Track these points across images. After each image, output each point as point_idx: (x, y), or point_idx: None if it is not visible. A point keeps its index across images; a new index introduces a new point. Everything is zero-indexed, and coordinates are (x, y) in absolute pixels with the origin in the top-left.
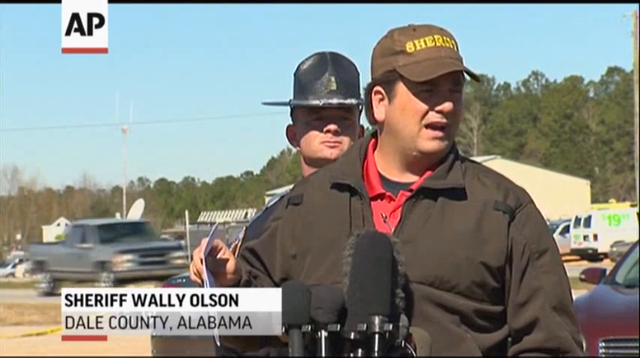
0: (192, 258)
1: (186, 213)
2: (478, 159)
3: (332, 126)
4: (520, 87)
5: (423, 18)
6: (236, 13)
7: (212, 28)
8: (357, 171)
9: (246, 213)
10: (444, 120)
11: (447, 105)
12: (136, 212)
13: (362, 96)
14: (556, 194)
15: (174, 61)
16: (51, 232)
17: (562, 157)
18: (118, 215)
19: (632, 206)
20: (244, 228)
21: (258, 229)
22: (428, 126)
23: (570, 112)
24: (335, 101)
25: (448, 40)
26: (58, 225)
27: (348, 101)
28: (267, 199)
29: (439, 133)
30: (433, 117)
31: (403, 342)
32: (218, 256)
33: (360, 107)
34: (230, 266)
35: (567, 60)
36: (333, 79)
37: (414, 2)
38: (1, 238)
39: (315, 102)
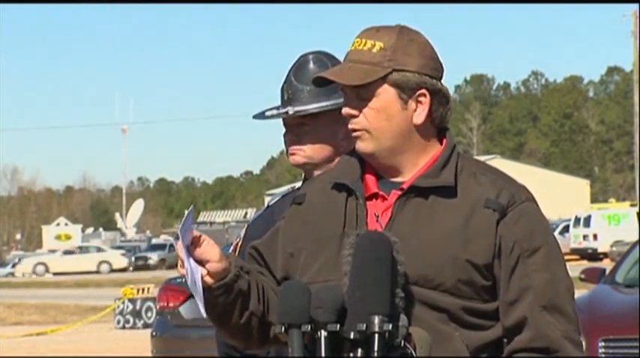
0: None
1: (186, 213)
2: (478, 158)
3: (288, 137)
4: (520, 87)
5: (423, 17)
6: (236, 12)
7: (212, 28)
8: (355, 171)
9: (246, 213)
10: (350, 126)
11: (345, 110)
12: (135, 212)
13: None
14: (556, 194)
15: (174, 61)
16: (50, 232)
17: (562, 157)
18: (117, 215)
19: (631, 206)
20: (246, 226)
21: (259, 227)
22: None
23: (570, 112)
24: (288, 110)
25: (368, 42)
26: (58, 224)
27: (301, 108)
28: (266, 199)
29: (355, 134)
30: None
31: (403, 342)
32: (202, 245)
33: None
34: (214, 254)
35: (567, 60)
36: (287, 87)
37: (414, 2)
38: (1, 238)
39: (269, 113)
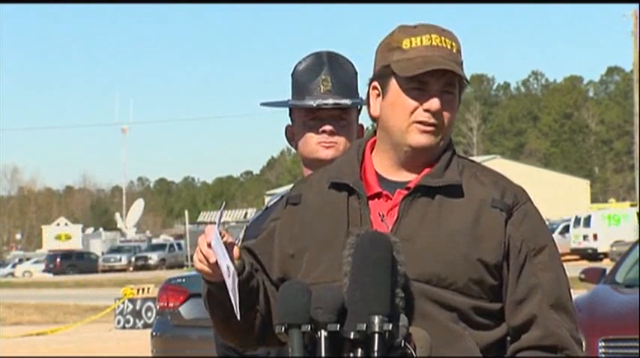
0: (192, 257)
1: (186, 212)
2: (478, 159)
3: (327, 127)
4: (520, 87)
5: (423, 18)
6: (236, 12)
7: (212, 28)
8: (355, 171)
9: (246, 213)
10: (432, 120)
11: (434, 104)
12: (135, 212)
13: (360, 96)
14: (556, 194)
15: (174, 61)
16: (50, 232)
17: (562, 157)
18: (117, 215)
19: (631, 206)
20: (244, 228)
21: (258, 229)
22: (417, 122)
23: (570, 112)
24: (330, 101)
25: (447, 41)
26: (58, 224)
27: (343, 101)
28: (266, 199)
29: (428, 128)
30: (421, 115)
31: (403, 342)
32: (224, 240)
33: (359, 107)
34: (236, 251)
35: (567, 60)
36: (328, 79)
37: (415, 2)
38: (1, 238)
39: (310, 102)
